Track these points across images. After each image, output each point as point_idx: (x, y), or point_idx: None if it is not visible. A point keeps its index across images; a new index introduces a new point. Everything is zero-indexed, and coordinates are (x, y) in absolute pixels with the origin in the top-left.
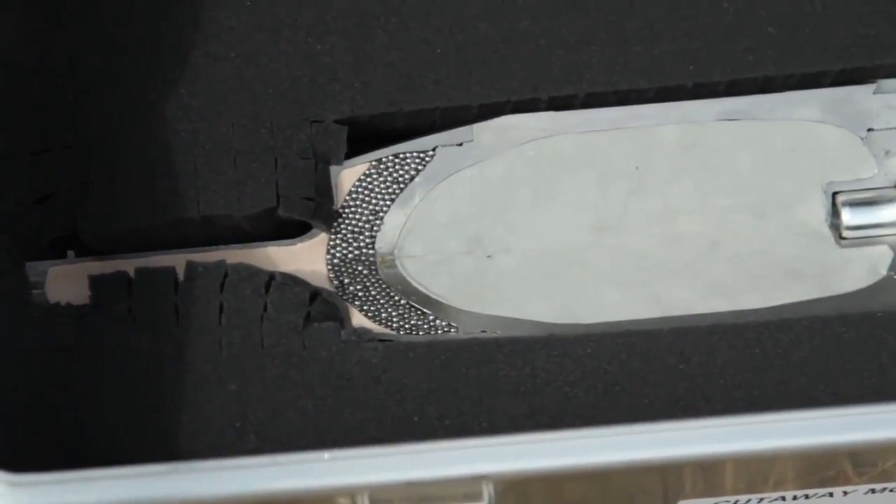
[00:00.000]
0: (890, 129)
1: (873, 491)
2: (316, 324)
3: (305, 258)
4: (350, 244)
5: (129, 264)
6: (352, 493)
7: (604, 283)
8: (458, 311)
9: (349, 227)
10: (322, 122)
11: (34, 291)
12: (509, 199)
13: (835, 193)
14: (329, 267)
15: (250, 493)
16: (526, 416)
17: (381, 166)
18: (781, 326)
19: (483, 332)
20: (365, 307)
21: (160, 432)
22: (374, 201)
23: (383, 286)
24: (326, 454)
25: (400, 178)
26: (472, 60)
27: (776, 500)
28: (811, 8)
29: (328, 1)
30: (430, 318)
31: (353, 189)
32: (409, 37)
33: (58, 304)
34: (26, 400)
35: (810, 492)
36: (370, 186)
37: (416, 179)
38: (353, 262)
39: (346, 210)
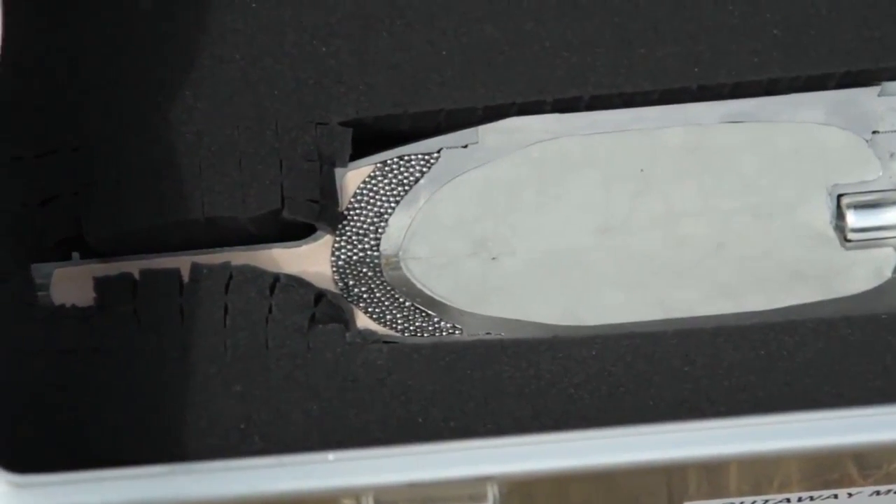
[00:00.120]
0: (895, 131)
1: (878, 493)
2: (321, 325)
3: (310, 260)
4: (355, 246)
5: (133, 266)
6: (356, 494)
7: (608, 285)
8: (463, 312)
9: (354, 229)
10: (327, 124)
11: (39, 293)
12: (514, 201)
13: (839, 196)
14: (334, 269)
15: (255, 494)
16: (530, 417)
17: (386, 168)
18: (786, 328)
19: (487, 333)
20: (370, 309)
21: (165, 433)
22: (378, 203)
23: (388, 288)
24: (331, 455)
25: (405, 180)
26: (476, 63)
27: (781, 501)
28: (816, 10)
29: (333, 3)
30: (435, 319)
31: (357, 191)
32: (414, 39)
33: (63, 305)
34: (31, 401)
35: (815, 494)
36: (375, 188)
37: (421, 181)
38: (358, 264)
39: (351, 212)
